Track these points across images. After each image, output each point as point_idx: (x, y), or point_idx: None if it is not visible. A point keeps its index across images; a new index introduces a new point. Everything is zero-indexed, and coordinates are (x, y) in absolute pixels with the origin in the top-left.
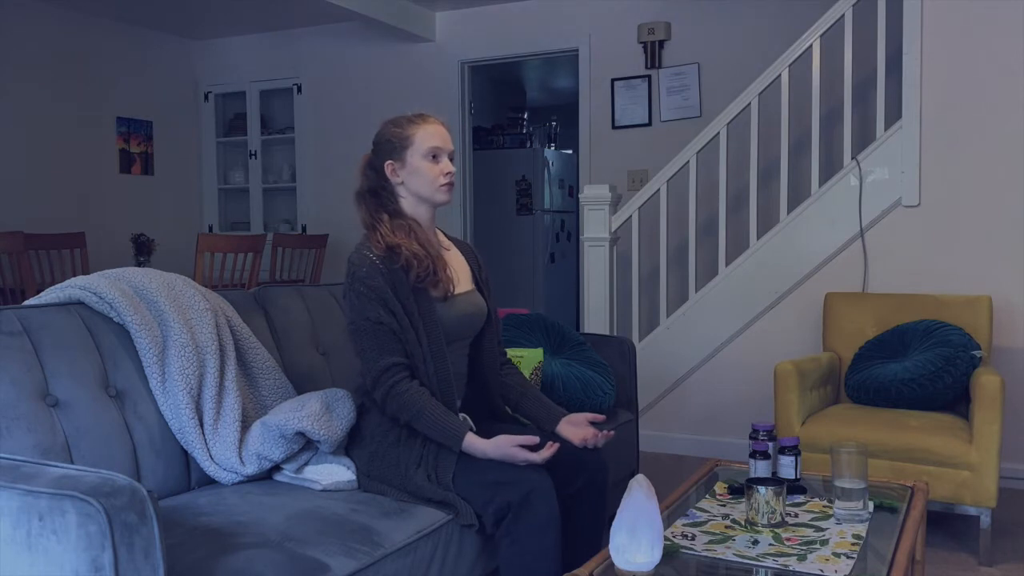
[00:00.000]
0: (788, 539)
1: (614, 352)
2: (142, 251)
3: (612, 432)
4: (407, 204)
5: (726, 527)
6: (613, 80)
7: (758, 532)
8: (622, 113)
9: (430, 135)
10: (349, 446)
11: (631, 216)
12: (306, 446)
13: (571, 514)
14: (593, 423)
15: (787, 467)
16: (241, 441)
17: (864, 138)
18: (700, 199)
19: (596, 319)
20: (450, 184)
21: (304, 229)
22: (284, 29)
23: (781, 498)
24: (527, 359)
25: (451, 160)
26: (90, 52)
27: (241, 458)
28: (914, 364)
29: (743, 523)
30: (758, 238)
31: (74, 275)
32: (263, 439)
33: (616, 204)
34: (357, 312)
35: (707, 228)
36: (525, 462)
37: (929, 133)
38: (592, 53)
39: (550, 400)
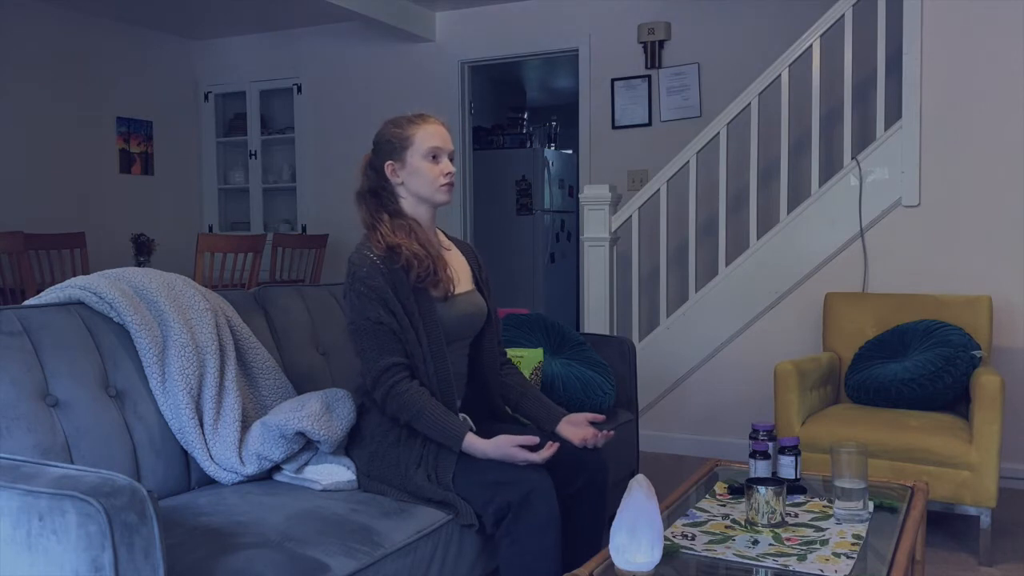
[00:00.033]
0: (788, 539)
1: (614, 352)
2: (142, 251)
3: (612, 432)
4: (407, 204)
5: (726, 527)
6: (613, 80)
7: (758, 532)
8: (622, 113)
9: (430, 135)
10: (349, 446)
11: (631, 216)
12: (306, 446)
13: (571, 514)
14: (593, 423)
15: (787, 467)
16: (241, 441)
17: (864, 138)
18: (700, 199)
19: (596, 319)
20: (450, 184)
21: (304, 229)
22: (284, 29)
23: (781, 498)
24: (527, 359)
25: (451, 160)
26: (90, 52)
27: (241, 458)
28: (914, 364)
29: (743, 523)
30: (758, 238)
31: (74, 275)
32: (263, 439)
33: (616, 204)
34: (357, 312)
35: (707, 228)
36: (525, 462)
37: (929, 133)
38: (592, 53)
39: (550, 400)
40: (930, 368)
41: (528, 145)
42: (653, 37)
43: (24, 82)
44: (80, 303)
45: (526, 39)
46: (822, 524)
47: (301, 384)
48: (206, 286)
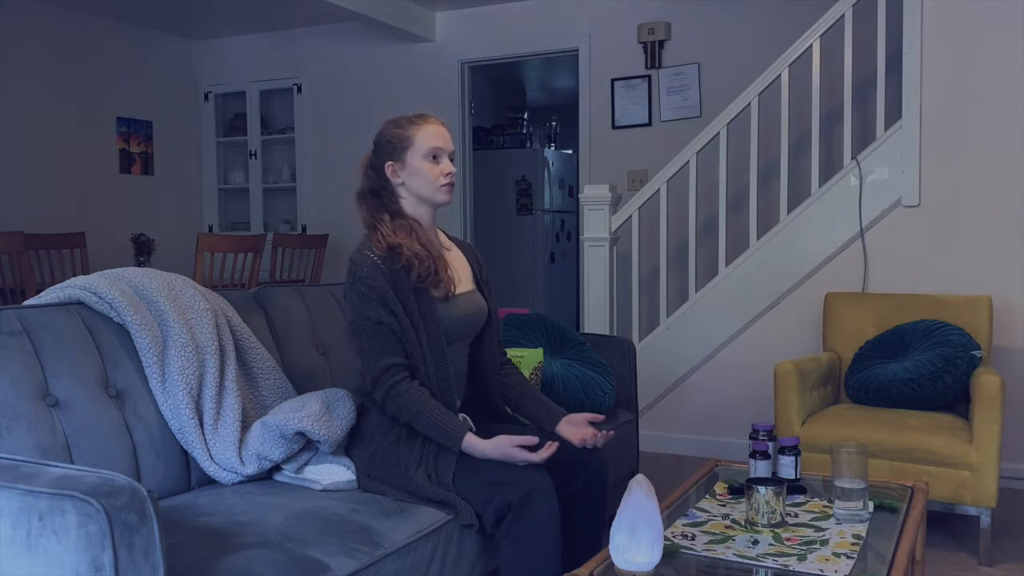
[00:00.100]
0: (788, 539)
1: (614, 352)
2: (142, 251)
3: (612, 432)
4: (408, 204)
5: (726, 527)
6: (613, 80)
7: (758, 532)
8: (622, 113)
9: (430, 136)
10: (349, 446)
11: (631, 216)
12: (306, 446)
13: (571, 514)
14: (593, 423)
15: (787, 467)
16: (241, 441)
17: (864, 138)
18: (700, 199)
19: (596, 319)
20: (450, 184)
21: (304, 229)
22: (284, 29)
23: (781, 498)
24: (527, 359)
25: (451, 160)
26: (90, 52)
27: (241, 458)
28: (914, 364)
29: (743, 523)
30: (758, 238)
31: (74, 275)
32: (263, 439)
33: (616, 204)
34: (358, 312)
35: (707, 228)
36: (524, 462)
37: (929, 133)
38: (592, 53)
39: (550, 400)
40: (930, 368)
41: (528, 145)
42: (653, 37)
43: (24, 82)
44: (80, 303)
45: (526, 39)
46: (822, 524)
47: (301, 384)
48: (206, 286)
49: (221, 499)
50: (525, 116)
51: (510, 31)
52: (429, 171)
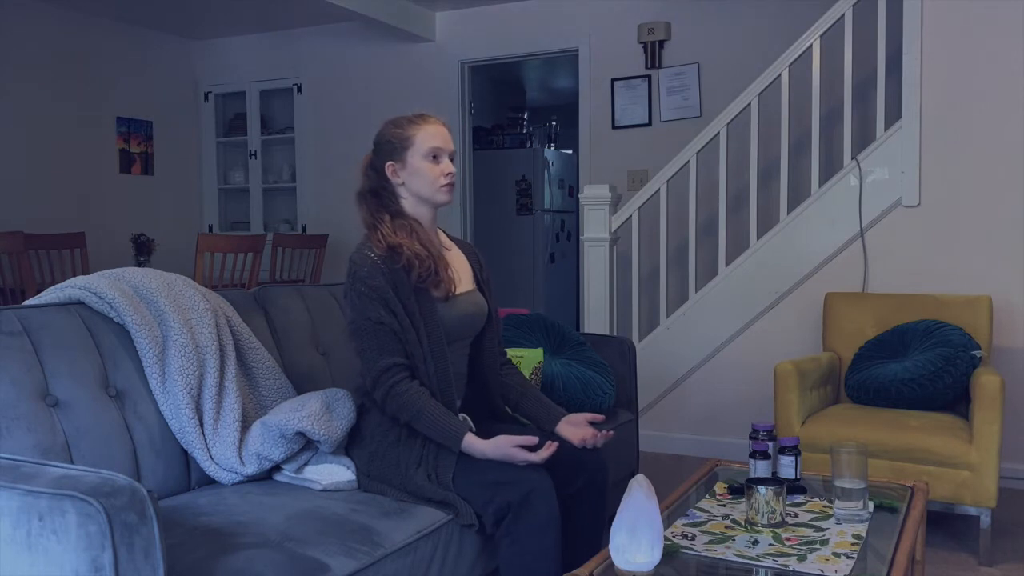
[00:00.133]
0: (788, 539)
1: (614, 352)
2: (142, 251)
3: (611, 432)
4: (408, 204)
5: (726, 527)
6: (613, 80)
7: (758, 532)
8: (622, 113)
9: (431, 136)
10: (349, 446)
11: (631, 216)
12: (306, 446)
13: (571, 514)
14: (593, 423)
15: (787, 467)
16: (241, 441)
17: (864, 138)
18: (700, 199)
19: (596, 319)
20: (451, 185)
21: (304, 229)
22: (284, 29)
23: (781, 498)
24: (527, 359)
25: (452, 160)
26: (90, 52)
27: (241, 458)
28: (914, 364)
29: (743, 523)
30: (758, 238)
31: (74, 275)
32: (263, 439)
33: (616, 204)
34: (358, 312)
35: (707, 228)
36: (524, 462)
37: (929, 133)
38: (592, 53)
39: (550, 400)
40: (930, 368)
41: (528, 145)
42: (653, 37)
43: (24, 82)
44: (80, 303)
45: (526, 39)
46: (822, 524)
47: (301, 384)
48: (206, 286)
49: (221, 499)
50: (525, 116)
51: (510, 31)
52: (429, 171)
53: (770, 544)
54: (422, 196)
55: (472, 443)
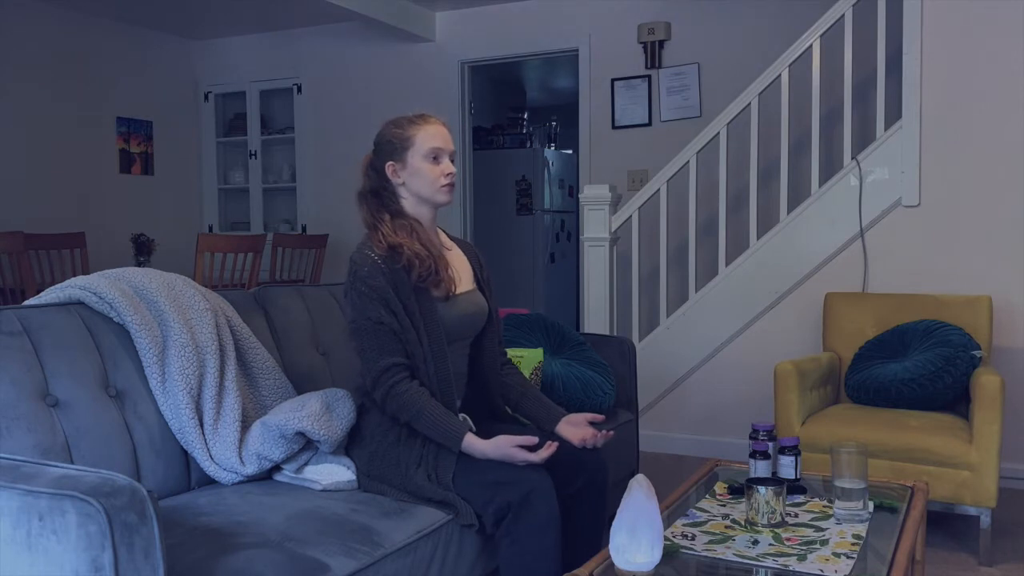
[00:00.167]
0: (788, 539)
1: (614, 352)
2: (142, 251)
3: (611, 432)
4: (408, 204)
5: (726, 527)
6: (613, 80)
7: (758, 532)
8: (622, 113)
9: (431, 136)
10: (349, 446)
11: (631, 216)
12: (306, 446)
13: (571, 514)
14: (593, 423)
15: (787, 467)
16: (241, 441)
17: (864, 138)
18: (700, 199)
19: (596, 319)
20: (451, 185)
21: (304, 229)
22: (284, 29)
23: (781, 498)
24: (527, 359)
25: (452, 160)
26: (90, 52)
27: (241, 458)
28: (914, 364)
29: (743, 523)
30: (758, 238)
31: (74, 275)
32: (263, 439)
33: (616, 204)
34: (358, 312)
35: (707, 228)
36: (524, 462)
37: (929, 133)
38: (592, 53)
39: (550, 400)
40: (930, 368)
41: (528, 145)
42: (653, 37)
43: (24, 82)
44: (80, 303)
45: (526, 39)
46: (822, 524)
47: (301, 384)
48: (206, 286)
49: (221, 499)
50: (525, 116)
51: (510, 31)
52: (429, 171)
53: (770, 544)
54: (422, 196)
55: (472, 443)
